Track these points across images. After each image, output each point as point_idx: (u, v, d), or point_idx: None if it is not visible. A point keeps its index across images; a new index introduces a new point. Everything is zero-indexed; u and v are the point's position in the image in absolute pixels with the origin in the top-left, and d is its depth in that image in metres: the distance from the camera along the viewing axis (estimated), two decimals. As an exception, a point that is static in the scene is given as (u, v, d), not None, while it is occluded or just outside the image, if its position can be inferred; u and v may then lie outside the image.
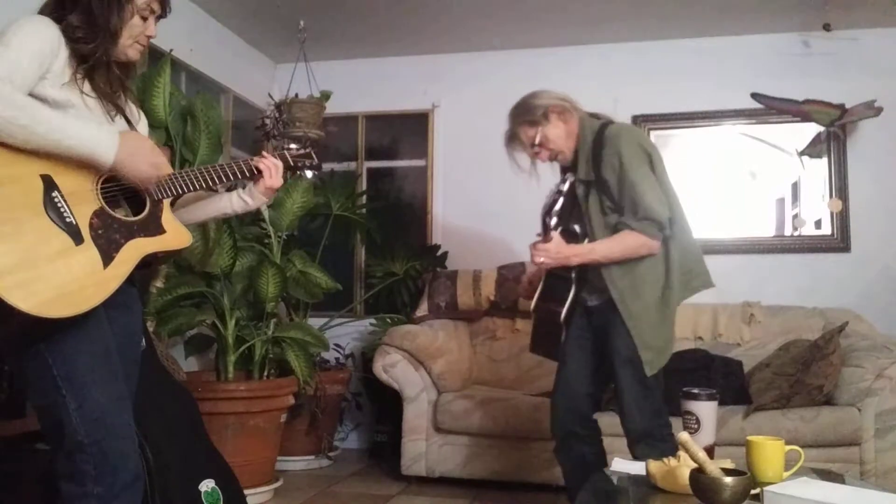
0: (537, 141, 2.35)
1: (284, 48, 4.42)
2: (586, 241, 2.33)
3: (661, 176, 2.30)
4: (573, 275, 2.37)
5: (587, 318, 2.42)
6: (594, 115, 2.42)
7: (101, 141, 1.54)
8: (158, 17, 1.71)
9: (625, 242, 2.25)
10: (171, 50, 3.30)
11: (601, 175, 2.28)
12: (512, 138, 2.42)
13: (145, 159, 1.62)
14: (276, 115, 3.97)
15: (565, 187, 2.28)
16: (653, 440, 2.24)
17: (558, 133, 2.34)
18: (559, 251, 2.28)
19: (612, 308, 2.28)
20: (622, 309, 2.26)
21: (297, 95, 4.00)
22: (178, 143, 3.19)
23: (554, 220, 2.28)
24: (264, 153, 1.88)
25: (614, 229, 2.28)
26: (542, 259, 2.29)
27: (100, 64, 1.62)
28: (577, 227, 2.35)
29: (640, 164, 2.25)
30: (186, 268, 3.26)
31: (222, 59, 4.21)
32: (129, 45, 1.67)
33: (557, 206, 2.26)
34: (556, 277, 2.40)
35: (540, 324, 2.48)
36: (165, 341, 3.36)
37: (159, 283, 3.22)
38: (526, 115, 2.36)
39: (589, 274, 2.36)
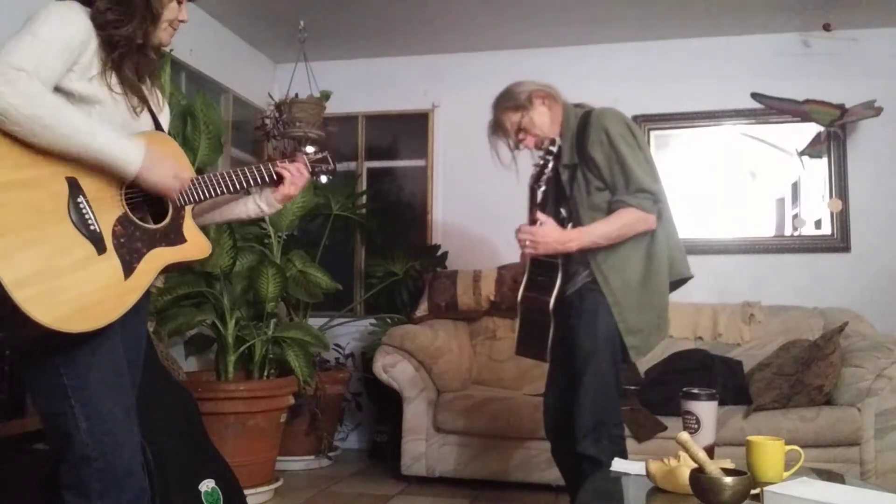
0: (522, 126, 2.31)
1: (284, 48, 4.42)
2: (570, 226, 2.26)
3: (647, 155, 2.26)
4: (559, 261, 2.27)
5: (569, 311, 2.32)
6: (579, 105, 2.39)
7: (127, 150, 1.49)
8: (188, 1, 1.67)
9: (622, 220, 2.18)
10: (171, 50, 3.29)
11: (587, 154, 2.23)
12: (496, 127, 2.37)
13: (170, 170, 1.57)
14: (276, 115, 3.97)
15: (555, 148, 2.19)
16: (601, 437, 2.18)
17: (543, 119, 2.31)
18: (549, 235, 2.19)
19: (595, 290, 2.24)
20: (606, 292, 2.21)
21: (297, 95, 4.00)
22: (178, 144, 3.18)
23: (543, 188, 2.18)
24: (296, 156, 1.86)
25: (608, 209, 2.22)
26: (528, 244, 2.20)
27: (131, 51, 1.56)
28: (563, 211, 2.29)
29: (627, 139, 2.21)
30: (186, 268, 3.26)
31: (222, 59, 4.21)
32: (163, 29, 1.62)
33: (548, 169, 2.16)
34: (542, 265, 2.30)
35: (526, 319, 2.38)
36: (165, 341, 3.35)
37: (159, 283, 3.22)
38: (510, 100, 2.32)
39: (572, 258, 2.28)
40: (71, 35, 1.46)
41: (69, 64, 1.46)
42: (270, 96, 4.21)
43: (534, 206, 2.22)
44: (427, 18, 4.13)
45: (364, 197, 4.62)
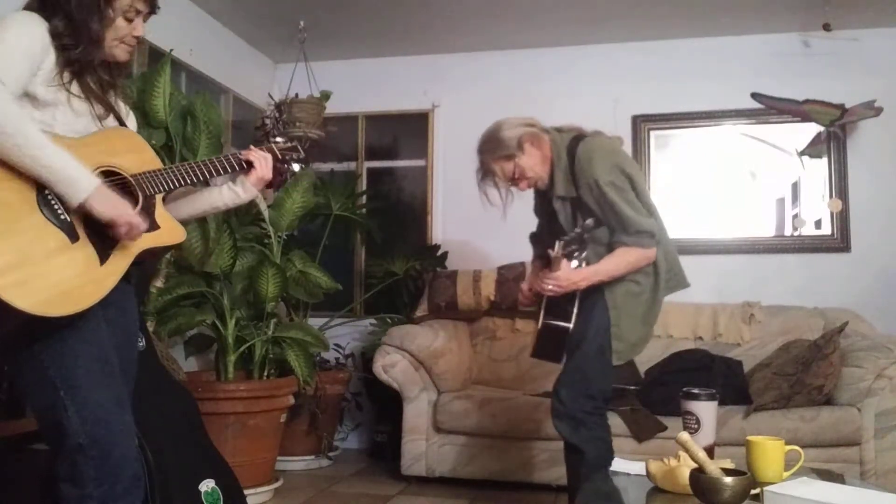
0: (516, 175, 2.39)
1: (284, 48, 4.42)
2: (584, 264, 2.36)
3: (640, 189, 2.32)
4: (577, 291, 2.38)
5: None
6: (559, 129, 2.43)
7: (80, 178, 1.49)
8: (147, 15, 1.69)
9: (626, 258, 2.30)
10: (171, 50, 3.30)
11: (580, 194, 2.32)
12: (486, 174, 2.45)
13: (120, 210, 1.54)
14: (276, 115, 3.97)
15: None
16: (576, 423, 2.29)
17: (535, 161, 2.38)
18: (568, 278, 2.31)
19: (598, 291, 2.34)
20: (609, 297, 2.32)
21: (297, 95, 4.00)
22: (178, 144, 3.19)
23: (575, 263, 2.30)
24: (251, 147, 1.91)
25: (608, 247, 2.32)
26: (551, 288, 2.32)
27: (87, 67, 1.60)
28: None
29: (617, 183, 2.27)
30: (186, 268, 3.26)
31: (222, 59, 4.21)
32: (114, 47, 1.65)
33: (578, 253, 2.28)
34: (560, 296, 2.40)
35: (545, 336, 2.49)
36: (165, 341, 3.36)
37: (159, 283, 3.22)
38: (500, 150, 2.39)
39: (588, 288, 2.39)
40: (32, 41, 1.50)
41: (33, 69, 1.51)
42: (270, 96, 4.21)
43: (550, 259, 2.33)
44: (427, 18, 4.13)
45: (364, 197, 4.61)
